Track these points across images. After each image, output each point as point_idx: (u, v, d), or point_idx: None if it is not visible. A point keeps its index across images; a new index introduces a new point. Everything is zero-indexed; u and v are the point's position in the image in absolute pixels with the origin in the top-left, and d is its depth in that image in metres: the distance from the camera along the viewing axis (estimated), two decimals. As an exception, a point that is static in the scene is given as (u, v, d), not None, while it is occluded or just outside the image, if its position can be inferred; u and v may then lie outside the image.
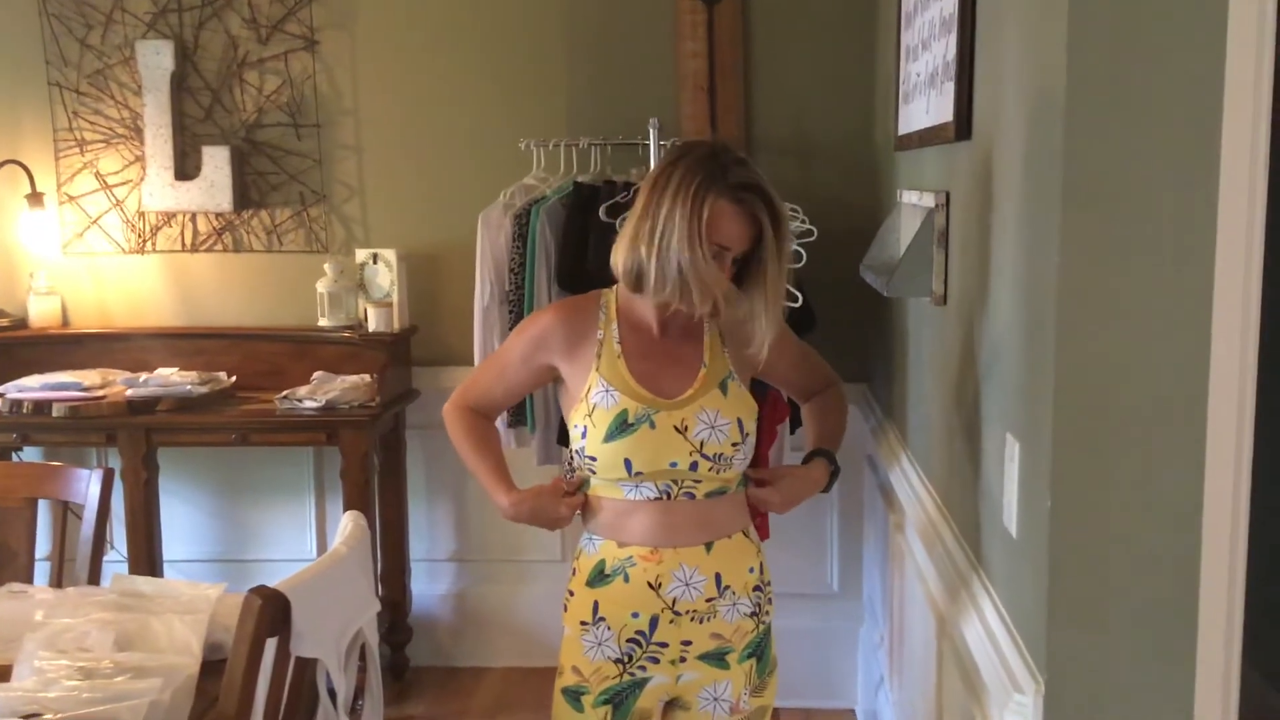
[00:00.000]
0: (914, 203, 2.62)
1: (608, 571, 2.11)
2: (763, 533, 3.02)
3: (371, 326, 3.81)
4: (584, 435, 2.09)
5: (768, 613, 2.19)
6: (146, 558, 3.67)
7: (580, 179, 3.53)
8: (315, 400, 3.64)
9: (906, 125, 2.79)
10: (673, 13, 3.75)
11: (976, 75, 2.09)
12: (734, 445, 2.08)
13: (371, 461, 3.66)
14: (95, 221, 4.03)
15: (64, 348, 3.98)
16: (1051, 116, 1.57)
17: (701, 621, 2.10)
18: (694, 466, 2.07)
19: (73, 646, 2.07)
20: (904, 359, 3.01)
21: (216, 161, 3.88)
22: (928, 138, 2.46)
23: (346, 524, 2.19)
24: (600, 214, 3.33)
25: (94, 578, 2.72)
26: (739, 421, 2.09)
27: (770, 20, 3.78)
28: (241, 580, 2.51)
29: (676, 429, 2.06)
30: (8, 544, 2.80)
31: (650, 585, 2.08)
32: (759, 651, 2.18)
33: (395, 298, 3.83)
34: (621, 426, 2.06)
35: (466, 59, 3.89)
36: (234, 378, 3.88)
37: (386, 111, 3.94)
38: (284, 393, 3.70)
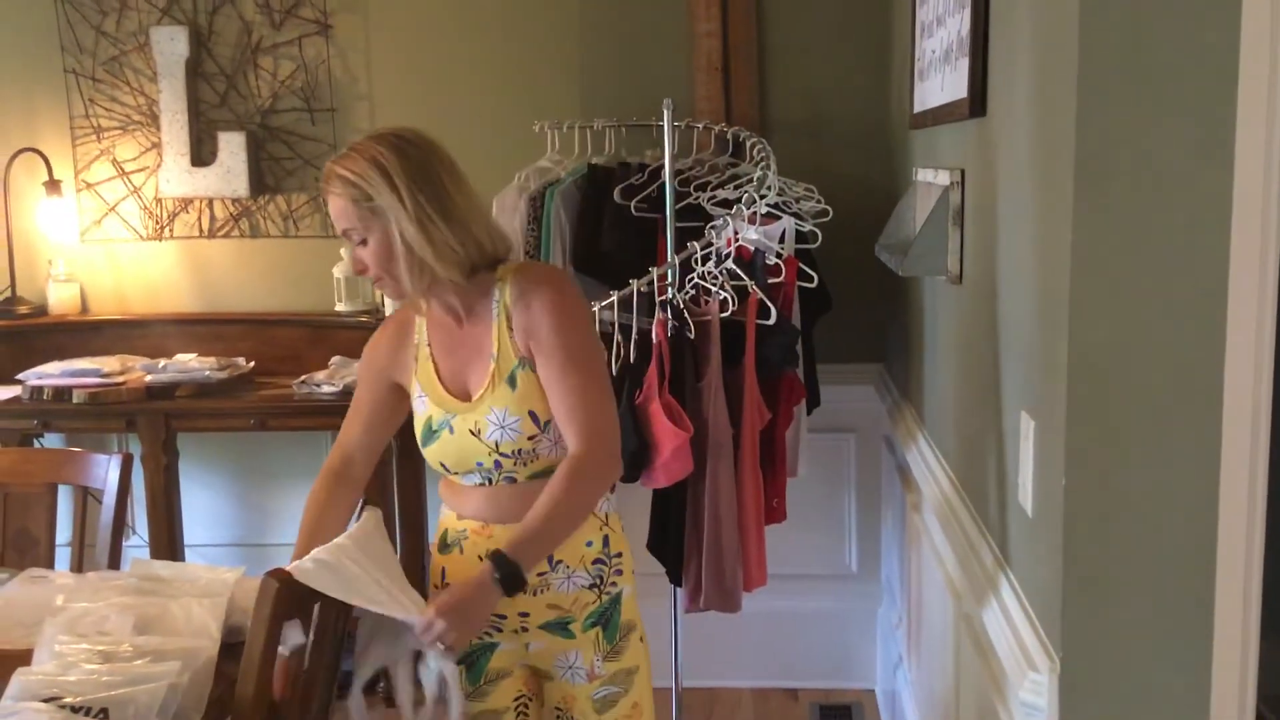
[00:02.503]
0: (929, 181, 2.61)
1: (449, 541, 2.18)
2: (779, 515, 3.02)
3: (388, 311, 3.81)
4: (417, 437, 2.17)
5: (614, 583, 2.18)
6: (166, 542, 3.69)
7: (594, 161, 3.52)
8: (333, 385, 3.65)
9: (921, 103, 2.77)
10: (686, -8, 3.74)
11: (991, 51, 2.08)
12: (530, 438, 2.06)
13: (389, 446, 3.67)
14: (113, 208, 4.04)
15: (83, 334, 4.00)
16: (1065, 93, 1.55)
17: (535, 594, 2.11)
18: (497, 465, 2.09)
19: (92, 630, 2.08)
20: (920, 338, 2.99)
21: (232, 147, 3.89)
22: (942, 115, 2.45)
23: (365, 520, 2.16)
24: (615, 196, 3.33)
25: (114, 562, 2.74)
26: (530, 414, 2.06)
27: (784, -1, 3.76)
28: (260, 564, 2.51)
29: (471, 432, 2.08)
30: (28, 529, 2.82)
31: (481, 558, 2.07)
32: (604, 619, 2.18)
33: (411, 282, 3.83)
34: (428, 433, 2.13)
35: (480, 42, 3.88)
36: (252, 363, 3.89)
37: (400, 95, 3.94)
38: (301, 378, 3.71)
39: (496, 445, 2.07)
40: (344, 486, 2.26)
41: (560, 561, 2.11)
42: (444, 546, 2.20)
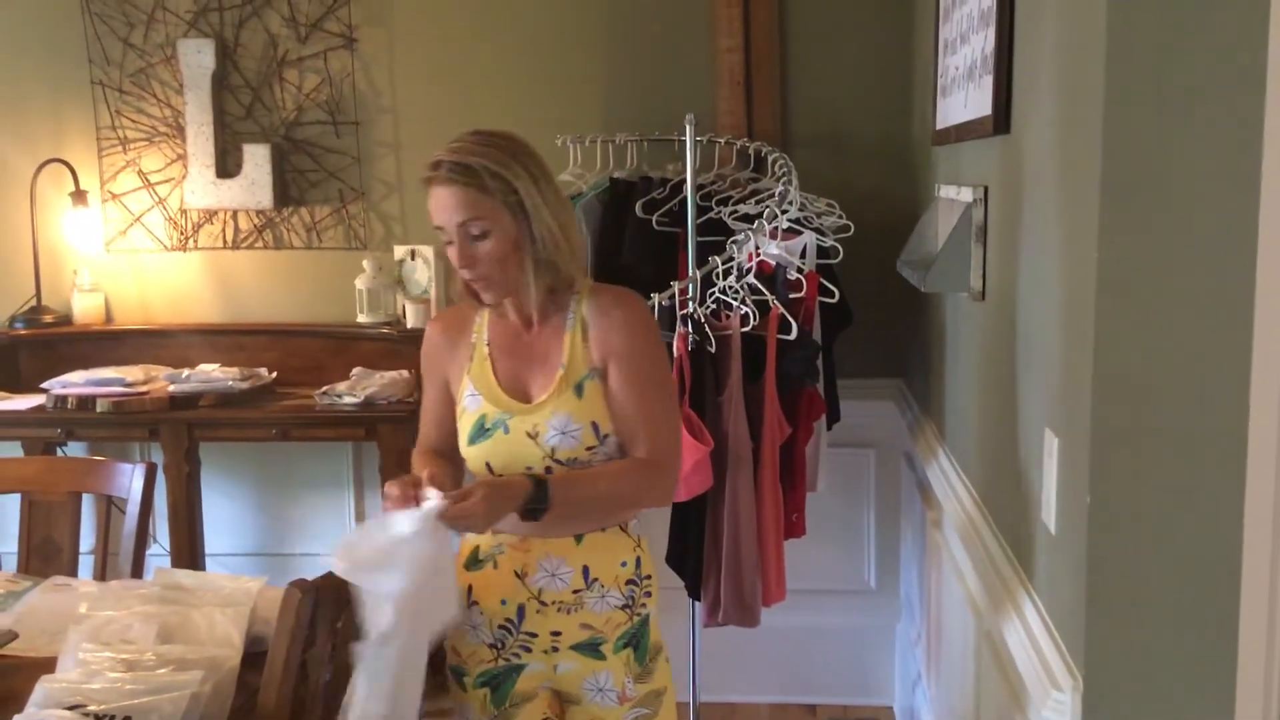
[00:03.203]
0: (952, 197, 2.61)
1: (481, 557, 2.13)
2: (798, 530, 3.02)
3: (410, 323, 3.84)
4: (459, 437, 2.13)
5: (643, 604, 2.16)
6: (188, 551, 3.71)
7: (616, 175, 3.53)
8: (354, 396, 3.67)
9: (944, 119, 2.77)
10: (708, 7, 3.75)
11: (1015, 69, 2.08)
12: (589, 449, 2.06)
13: (410, 457, 3.68)
14: (138, 219, 4.07)
15: (107, 344, 4.02)
16: (1091, 110, 1.55)
17: (569, 612, 2.10)
18: (548, 471, 2.06)
19: (116, 639, 2.10)
20: (941, 354, 2.99)
21: (257, 159, 3.92)
22: (965, 132, 2.45)
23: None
24: (636, 210, 3.34)
25: (137, 571, 2.75)
26: (593, 425, 2.06)
27: (806, 14, 3.77)
28: (281, 574, 2.53)
29: (529, 435, 2.06)
30: (52, 538, 2.84)
31: (517, 574, 2.08)
32: (634, 641, 2.16)
33: (433, 294, 3.85)
34: (480, 431, 2.09)
35: (503, 57, 3.90)
36: (274, 374, 3.91)
37: (424, 109, 3.96)
38: (323, 388, 3.73)
39: (553, 450, 2.05)
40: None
41: (596, 580, 2.10)
42: (474, 563, 2.14)
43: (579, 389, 2.07)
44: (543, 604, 2.09)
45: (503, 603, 2.10)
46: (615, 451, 2.08)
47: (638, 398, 2.07)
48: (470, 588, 2.14)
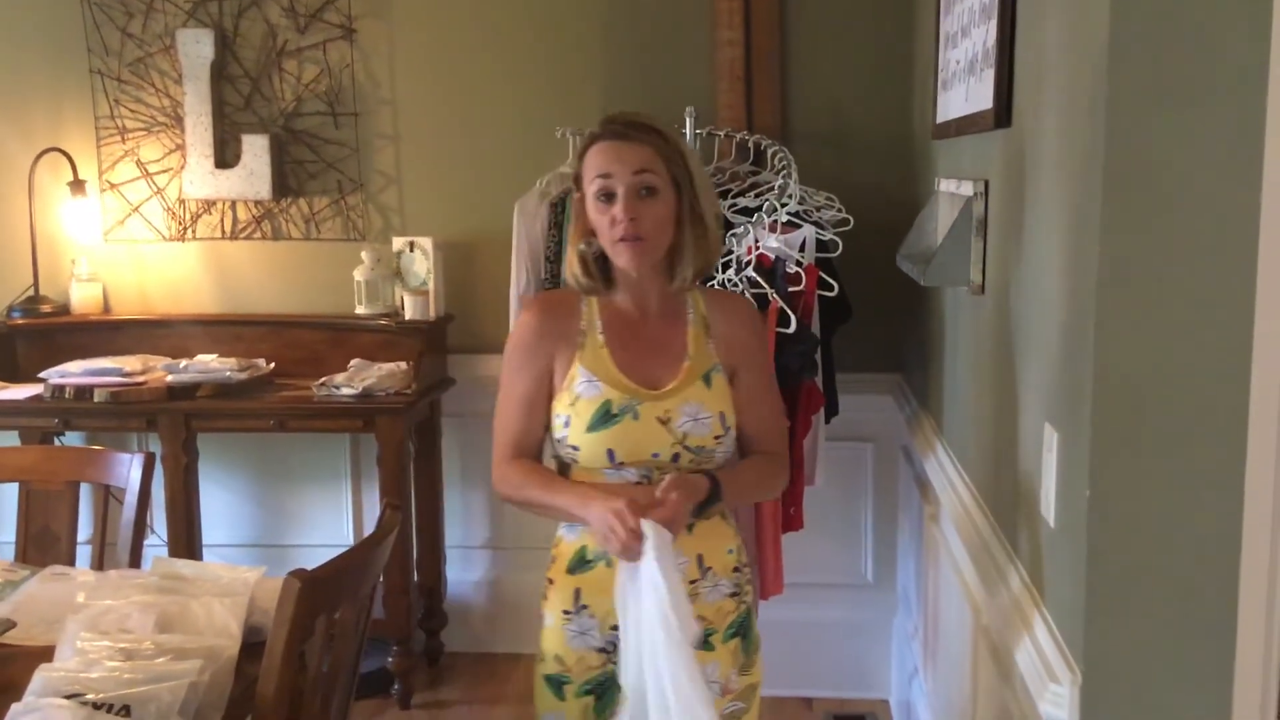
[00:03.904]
0: (952, 191, 2.60)
1: (590, 558, 2.07)
2: (796, 523, 3.02)
3: (408, 314, 3.83)
4: (566, 425, 2.06)
5: (747, 593, 2.16)
6: (186, 542, 3.71)
7: (616, 167, 3.52)
8: (352, 387, 3.66)
9: (945, 113, 2.77)
10: (709, 0, 3.74)
11: (1016, 62, 2.08)
12: (716, 438, 2.06)
13: (407, 448, 3.69)
14: (136, 209, 4.06)
15: (105, 334, 4.02)
16: (1093, 104, 1.55)
17: None
18: (675, 458, 2.04)
19: (114, 628, 2.09)
20: (940, 348, 2.99)
21: (255, 150, 3.91)
22: (966, 126, 2.45)
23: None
24: (636, 202, 3.33)
25: (135, 561, 2.75)
26: (721, 415, 2.07)
27: (807, 7, 3.77)
28: (279, 565, 2.53)
29: (660, 420, 2.04)
30: (50, 527, 2.84)
31: None
32: (742, 630, 2.15)
33: (431, 286, 3.85)
34: (605, 417, 2.04)
35: (502, 48, 3.90)
36: (272, 364, 3.91)
37: (423, 100, 3.95)
38: (321, 380, 3.73)
39: (684, 436, 2.04)
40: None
41: (710, 569, 2.09)
42: (580, 564, 2.08)
43: (707, 380, 2.08)
44: None
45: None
46: (734, 443, 2.12)
47: (768, 396, 2.19)
48: (578, 591, 2.08)
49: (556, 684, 2.10)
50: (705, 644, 2.07)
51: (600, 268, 2.10)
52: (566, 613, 2.08)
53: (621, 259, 2.04)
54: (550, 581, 2.13)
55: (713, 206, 2.11)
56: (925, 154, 3.28)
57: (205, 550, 3.85)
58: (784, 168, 3.12)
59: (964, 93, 2.49)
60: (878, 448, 3.84)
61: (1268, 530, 1.52)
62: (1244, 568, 1.53)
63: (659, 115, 2.13)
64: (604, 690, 2.07)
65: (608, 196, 2.02)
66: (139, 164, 4.04)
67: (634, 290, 2.11)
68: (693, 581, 2.06)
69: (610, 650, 2.06)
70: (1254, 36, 1.46)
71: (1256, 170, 1.47)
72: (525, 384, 2.11)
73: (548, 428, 2.11)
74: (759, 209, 2.95)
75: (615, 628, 2.01)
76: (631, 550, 1.89)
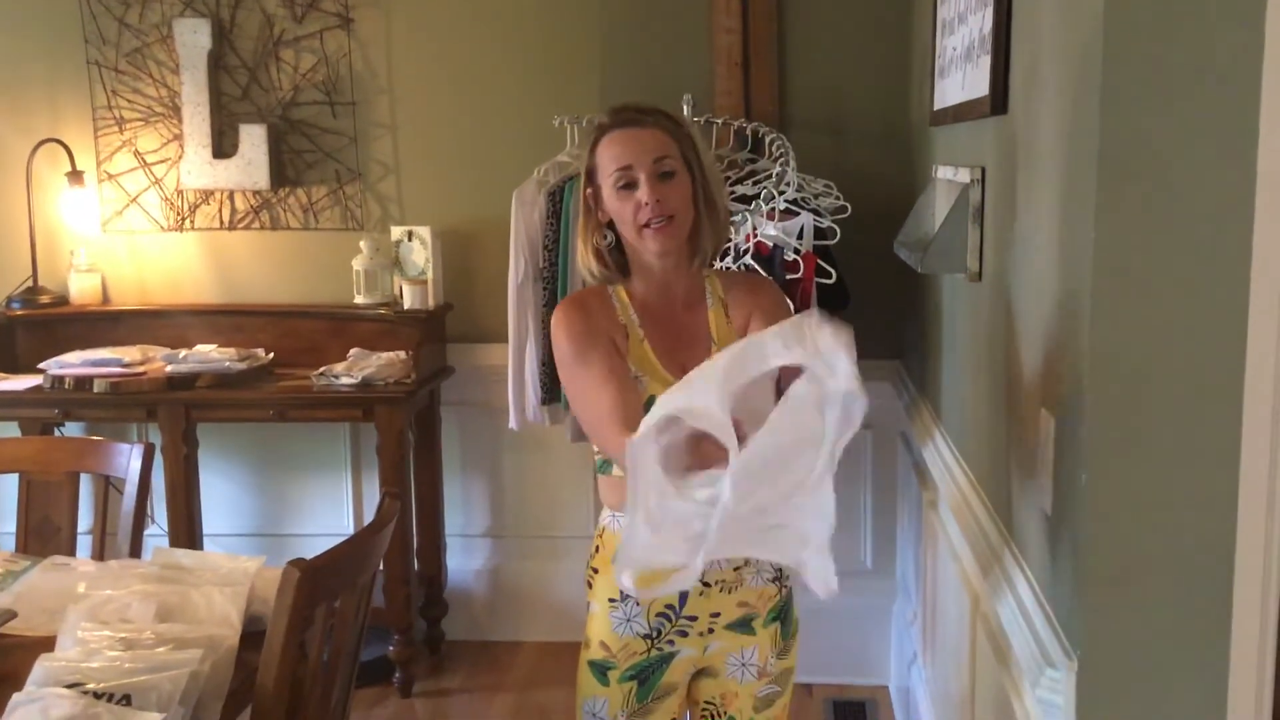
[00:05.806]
0: (949, 178, 2.60)
1: None
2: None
3: (407, 304, 3.84)
4: None
5: (789, 576, 2.18)
6: (186, 532, 3.72)
7: (614, 156, 3.52)
8: (351, 377, 3.67)
9: (942, 100, 2.77)
10: (707, -12, 3.74)
11: (1013, 49, 2.07)
12: None
13: (407, 438, 3.69)
14: (134, 199, 4.06)
15: (104, 324, 4.02)
16: (1088, 91, 1.55)
17: (730, 591, 2.10)
18: None
19: (114, 618, 2.10)
20: (938, 335, 2.99)
21: (253, 140, 3.91)
22: (963, 112, 2.45)
23: None
24: (634, 191, 3.33)
25: (135, 551, 2.76)
26: None
27: (805, -5, 3.76)
28: (279, 554, 2.54)
29: None
30: (51, 517, 2.85)
31: None
32: (783, 615, 2.18)
33: (430, 275, 3.85)
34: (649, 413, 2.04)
35: (500, 36, 3.89)
36: (271, 354, 3.92)
37: (421, 89, 3.95)
38: (320, 369, 3.73)
39: None
40: None
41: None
42: None
43: None
44: (705, 585, 2.08)
45: None
46: None
47: None
48: None
49: (601, 669, 2.13)
50: (747, 629, 2.13)
51: (615, 258, 2.11)
52: (612, 600, 2.11)
53: (652, 244, 2.04)
54: (595, 571, 2.16)
55: (720, 186, 2.12)
56: (923, 141, 3.27)
57: (205, 540, 3.86)
58: (782, 155, 3.12)
59: (960, 80, 2.49)
60: (876, 434, 3.84)
61: (1263, 515, 1.52)
62: (1240, 553, 1.54)
63: (657, 103, 2.13)
64: (647, 676, 2.11)
65: (629, 185, 2.02)
66: (137, 154, 4.04)
67: (659, 278, 2.11)
68: (737, 569, 2.09)
69: (655, 636, 2.10)
70: (1248, 22, 1.46)
71: (1251, 156, 1.48)
72: (599, 362, 2.03)
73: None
74: (757, 196, 2.95)
75: (661, 614, 2.08)
76: None
